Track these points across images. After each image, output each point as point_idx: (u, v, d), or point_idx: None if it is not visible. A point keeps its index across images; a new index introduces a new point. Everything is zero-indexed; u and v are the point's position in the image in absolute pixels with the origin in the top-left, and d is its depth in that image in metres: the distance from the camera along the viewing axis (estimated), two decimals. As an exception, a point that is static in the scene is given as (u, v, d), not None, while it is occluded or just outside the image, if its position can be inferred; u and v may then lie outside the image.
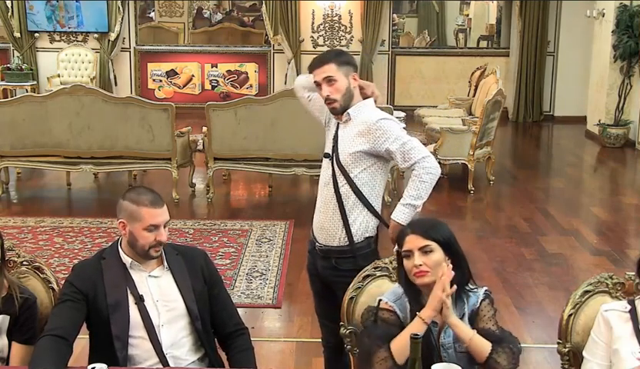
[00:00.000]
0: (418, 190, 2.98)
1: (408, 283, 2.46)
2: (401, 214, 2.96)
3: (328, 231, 3.12)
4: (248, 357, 2.74)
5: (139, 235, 2.61)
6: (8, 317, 2.58)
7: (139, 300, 2.62)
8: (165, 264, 2.70)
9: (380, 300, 2.50)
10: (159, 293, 2.66)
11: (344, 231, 3.08)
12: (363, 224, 3.08)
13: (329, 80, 3.05)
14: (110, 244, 2.79)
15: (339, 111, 3.09)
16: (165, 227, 2.64)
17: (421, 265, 2.39)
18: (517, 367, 2.36)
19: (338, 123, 3.16)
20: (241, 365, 2.68)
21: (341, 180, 3.09)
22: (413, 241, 2.43)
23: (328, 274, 3.11)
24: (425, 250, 2.41)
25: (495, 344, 2.36)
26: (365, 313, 2.54)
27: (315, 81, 3.11)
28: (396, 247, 2.54)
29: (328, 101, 3.07)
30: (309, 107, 3.40)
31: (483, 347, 2.35)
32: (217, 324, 2.79)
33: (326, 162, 3.16)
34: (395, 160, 3.08)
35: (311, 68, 3.13)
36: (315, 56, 3.23)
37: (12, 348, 2.59)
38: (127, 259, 2.67)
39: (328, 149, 3.17)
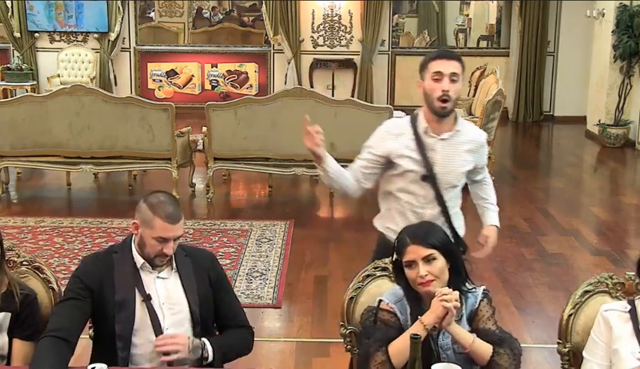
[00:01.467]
0: (495, 198, 3.30)
1: (408, 288, 2.45)
2: (497, 220, 3.19)
3: None
4: (235, 336, 2.73)
5: (148, 242, 2.61)
6: (9, 315, 2.58)
7: (146, 298, 2.61)
8: (174, 266, 2.69)
9: (380, 300, 2.48)
10: (166, 295, 2.65)
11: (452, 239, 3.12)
12: (462, 228, 3.22)
13: (454, 77, 2.97)
14: (122, 239, 2.78)
15: (447, 112, 3.00)
16: (175, 240, 2.63)
17: (426, 275, 2.38)
18: None
19: (422, 139, 3.02)
20: (224, 335, 2.71)
21: (448, 197, 3.09)
22: (415, 251, 2.39)
23: None
24: (428, 259, 2.39)
25: (496, 346, 2.35)
26: (364, 313, 2.53)
27: (436, 71, 2.95)
28: (394, 256, 2.50)
29: (445, 97, 2.95)
30: (373, 178, 3.15)
31: (484, 350, 2.34)
32: (220, 323, 2.79)
33: (424, 183, 3.05)
34: (475, 172, 3.20)
35: (440, 57, 3.00)
36: (438, 50, 3.18)
37: (14, 345, 2.59)
38: (139, 259, 2.66)
39: (422, 169, 3.02)
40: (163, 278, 2.68)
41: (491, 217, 3.20)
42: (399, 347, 2.31)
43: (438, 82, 2.96)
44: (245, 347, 2.78)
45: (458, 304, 2.33)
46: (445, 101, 2.96)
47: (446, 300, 2.29)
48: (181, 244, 2.77)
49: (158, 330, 2.59)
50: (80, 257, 5.41)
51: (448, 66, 2.97)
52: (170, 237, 2.59)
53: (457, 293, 2.34)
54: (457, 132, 3.06)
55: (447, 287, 2.36)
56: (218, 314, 2.77)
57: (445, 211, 3.09)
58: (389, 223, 3.16)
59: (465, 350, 2.34)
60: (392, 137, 3.08)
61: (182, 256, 2.72)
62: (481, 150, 3.16)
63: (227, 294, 2.80)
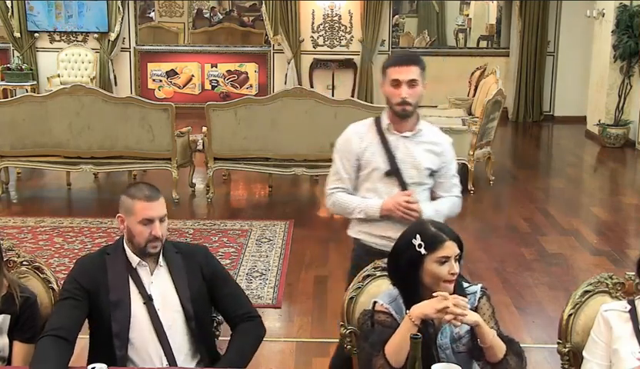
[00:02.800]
0: (449, 212, 3.17)
1: (406, 286, 2.42)
2: (428, 211, 3.07)
3: None
4: (246, 339, 2.71)
5: (135, 230, 2.62)
6: (8, 317, 2.58)
7: (148, 300, 2.61)
8: (161, 260, 2.69)
9: (375, 302, 2.46)
10: (159, 297, 2.65)
11: None
12: None
13: (412, 82, 3.01)
14: (115, 240, 2.78)
15: (408, 114, 3.06)
16: (161, 221, 2.63)
17: (456, 273, 2.37)
18: None
19: (385, 136, 3.08)
20: (237, 346, 2.68)
21: (416, 194, 3.09)
22: (452, 248, 2.37)
23: None
24: (456, 258, 2.38)
25: (507, 346, 2.35)
26: (361, 317, 2.51)
27: (394, 79, 3.01)
28: (421, 246, 2.37)
29: (404, 103, 3.01)
30: (354, 184, 3.19)
31: (500, 347, 2.33)
32: (227, 315, 2.80)
33: (388, 179, 3.09)
34: (438, 184, 3.19)
35: (396, 64, 3.04)
36: (397, 53, 3.16)
37: (14, 347, 2.59)
38: (134, 258, 2.66)
39: (386, 165, 3.08)
40: (154, 277, 2.68)
41: (425, 203, 3.12)
42: (394, 347, 2.29)
43: (396, 89, 3.02)
44: (258, 341, 2.76)
45: (465, 312, 2.27)
46: (404, 105, 3.02)
47: (454, 310, 2.24)
48: (173, 241, 2.80)
49: (160, 330, 2.60)
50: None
51: (405, 74, 3.01)
52: (154, 216, 2.61)
53: (464, 303, 2.29)
54: (419, 131, 3.12)
55: (448, 293, 2.33)
56: (223, 307, 2.78)
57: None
58: (361, 226, 3.20)
59: (484, 344, 2.31)
60: (357, 138, 3.14)
61: (173, 252, 2.73)
62: (448, 156, 3.17)
63: (226, 286, 2.79)
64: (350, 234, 3.28)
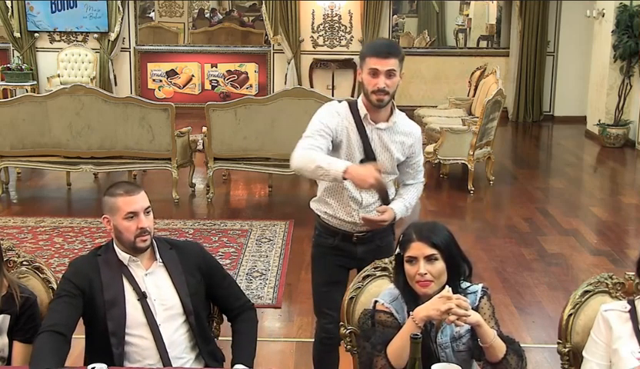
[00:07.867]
0: (416, 200, 3.26)
1: (406, 287, 2.43)
2: (401, 211, 3.14)
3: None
4: (251, 327, 2.79)
5: (121, 226, 2.64)
6: (8, 317, 2.58)
7: (142, 297, 2.62)
8: (158, 257, 2.70)
9: (376, 301, 2.47)
10: (156, 292, 2.66)
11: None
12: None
13: (391, 73, 3.00)
14: (105, 243, 2.79)
15: (384, 104, 3.05)
16: (146, 213, 2.65)
17: (426, 274, 2.36)
18: None
19: (363, 126, 3.07)
20: (243, 334, 2.75)
21: (387, 184, 3.13)
22: (419, 248, 2.37)
23: (372, 255, 3.01)
24: (430, 259, 2.37)
25: (508, 345, 2.35)
26: (361, 316, 2.52)
27: (372, 68, 2.98)
28: (397, 249, 2.48)
29: (382, 92, 2.99)
30: (327, 150, 3.03)
31: (501, 347, 2.33)
32: (225, 308, 2.85)
33: None
34: (406, 172, 3.22)
35: (377, 56, 2.99)
36: (377, 42, 3.12)
37: (14, 347, 2.59)
38: (124, 256, 2.67)
39: (361, 154, 3.07)
40: (150, 273, 2.69)
41: (396, 203, 3.16)
42: (396, 348, 2.30)
43: (374, 78, 3.00)
44: (256, 329, 2.82)
45: (468, 313, 2.26)
46: (381, 94, 3.00)
47: (457, 311, 2.24)
48: (167, 238, 2.83)
49: (153, 326, 2.61)
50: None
51: (384, 64, 2.98)
52: (137, 209, 2.63)
53: (466, 303, 2.29)
54: (394, 123, 3.12)
55: (450, 291, 2.32)
56: (223, 301, 2.83)
57: (385, 199, 3.13)
58: (324, 206, 3.21)
59: (484, 344, 2.31)
60: (338, 117, 3.10)
61: (167, 249, 2.75)
62: (418, 145, 3.20)
63: (224, 279, 2.84)
64: (312, 207, 3.29)
